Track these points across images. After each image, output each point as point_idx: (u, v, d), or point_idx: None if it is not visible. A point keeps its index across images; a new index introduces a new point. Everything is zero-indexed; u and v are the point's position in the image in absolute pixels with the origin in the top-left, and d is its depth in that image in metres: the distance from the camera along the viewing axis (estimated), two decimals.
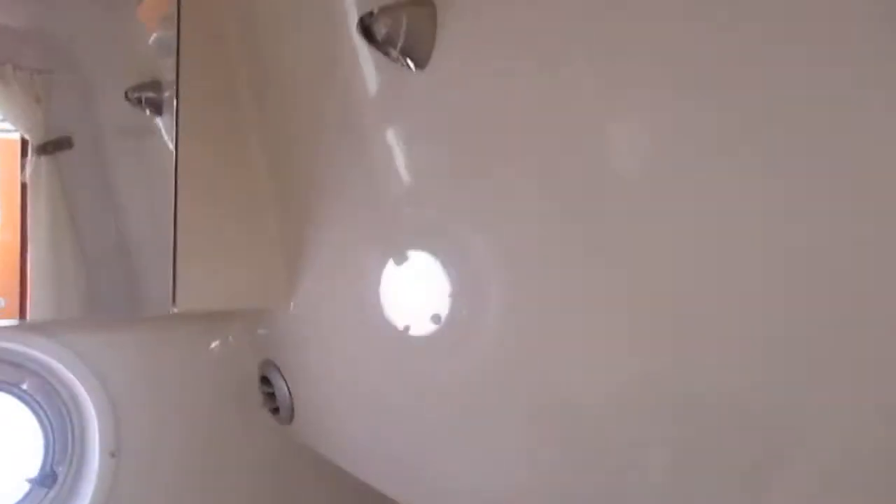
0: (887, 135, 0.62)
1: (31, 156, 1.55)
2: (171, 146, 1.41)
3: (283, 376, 1.57)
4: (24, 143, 1.54)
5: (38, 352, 1.44)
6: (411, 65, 1.06)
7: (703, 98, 0.75)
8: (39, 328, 1.45)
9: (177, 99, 1.37)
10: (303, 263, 1.47)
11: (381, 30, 1.03)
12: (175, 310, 1.34)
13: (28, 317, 1.45)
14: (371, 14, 1.03)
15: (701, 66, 0.74)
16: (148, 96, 1.55)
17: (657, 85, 0.79)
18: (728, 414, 0.78)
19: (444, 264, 1.16)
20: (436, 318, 1.20)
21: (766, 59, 0.69)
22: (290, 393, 1.57)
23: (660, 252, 0.81)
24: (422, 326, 1.23)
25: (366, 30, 1.05)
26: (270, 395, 1.59)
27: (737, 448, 0.78)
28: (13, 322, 1.41)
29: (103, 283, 1.56)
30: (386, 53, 1.06)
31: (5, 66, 1.53)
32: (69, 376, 1.44)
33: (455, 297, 1.15)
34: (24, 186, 1.55)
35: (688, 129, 0.77)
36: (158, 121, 1.50)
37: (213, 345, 1.59)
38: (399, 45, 1.04)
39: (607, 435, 0.93)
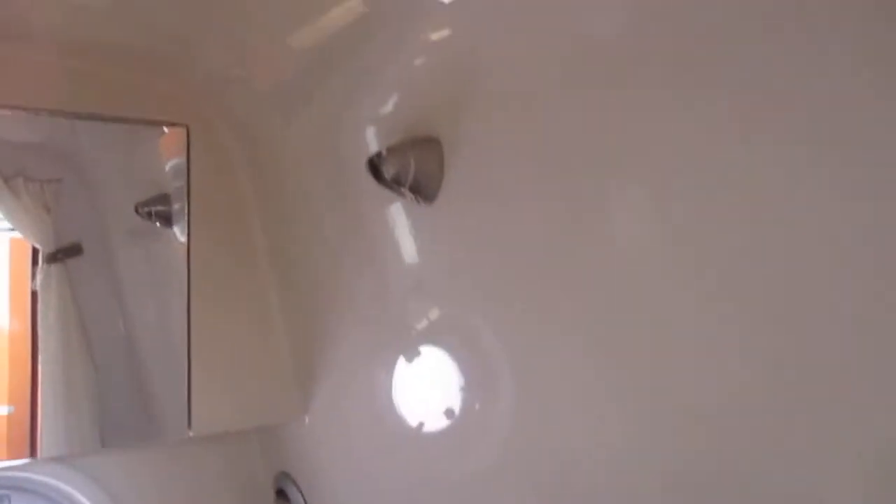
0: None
1: (42, 264, 1.55)
2: (179, 245, 1.43)
3: (299, 489, 1.55)
4: (34, 250, 1.54)
5: (52, 478, 1.43)
6: (420, 200, 1.08)
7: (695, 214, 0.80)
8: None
9: (188, 229, 1.39)
10: (316, 376, 1.47)
11: (389, 170, 1.05)
12: (191, 434, 1.34)
13: (39, 441, 1.44)
14: (379, 155, 1.06)
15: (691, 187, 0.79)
16: (157, 210, 1.56)
17: (652, 198, 0.84)
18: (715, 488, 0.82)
19: (454, 361, 1.18)
20: (449, 413, 1.20)
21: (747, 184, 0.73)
22: None
23: (658, 346, 0.85)
24: (436, 422, 1.24)
25: (374, 169, 1.07)
26: None
27: None
28: (25, 461, 1.39)
29: (115, 398, 1.55)
30: (395, 191, 1.08)
31: (16, 179, 1.54)
32: (84, 502, 1.42)
33: (466, 390, 1.16)
34: (34, 294, 1.55)
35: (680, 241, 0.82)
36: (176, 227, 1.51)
37: (229, 461, 1.58)
38: (408, 183, 1.06)
39: None
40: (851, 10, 0.65)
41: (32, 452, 1.41)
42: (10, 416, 1.46)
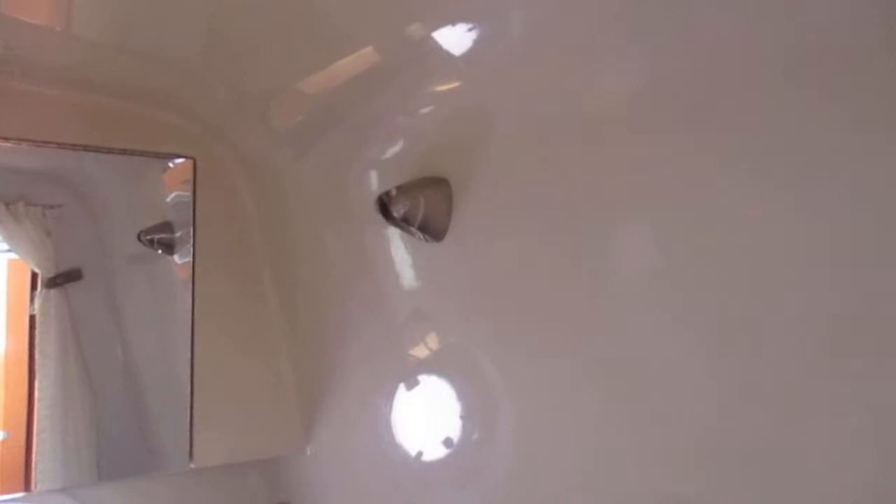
0: None
1: (41, 288, 1.53)
2: (181, 273, 1.42)
3: None
4: (33, 274, 1.53)
5: None
6: (429, 239, 1.09)
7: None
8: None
9: (193, 259, 1.39)
10: (319, 407, 1.47)
11: (399, 209, 1.06)
12: (193, 465, 1.33)
13: (34, 470, 1.41)
14: (388, 193, 1.07)
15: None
16: (160, 237, 1.56)
17: (653, 239, 0.88)
18: None
19: (455, 392, 1.19)
20: (448, 442, 1.20)
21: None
22: None
23: (656, 376, 0.88)
24: (436, 452, 1.24)
25: (383, 208, 1.08)
26: None
27: None
28: (20, 495, 1.37)
29: (114, 426, 1.53)
30: (404, 229, 1.09)
31: (17, 204, 1.53)
32: None
33: (465, 419, 1.17)
34: (32, 318, 1.53)
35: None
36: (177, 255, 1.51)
37: (229, 492, 1.57)
38: (417, 222, 1.07)
39: None
40: (846, 70, 0.68)
41: (27, 484, 1.39)
42: (5, 442, 1.44)
